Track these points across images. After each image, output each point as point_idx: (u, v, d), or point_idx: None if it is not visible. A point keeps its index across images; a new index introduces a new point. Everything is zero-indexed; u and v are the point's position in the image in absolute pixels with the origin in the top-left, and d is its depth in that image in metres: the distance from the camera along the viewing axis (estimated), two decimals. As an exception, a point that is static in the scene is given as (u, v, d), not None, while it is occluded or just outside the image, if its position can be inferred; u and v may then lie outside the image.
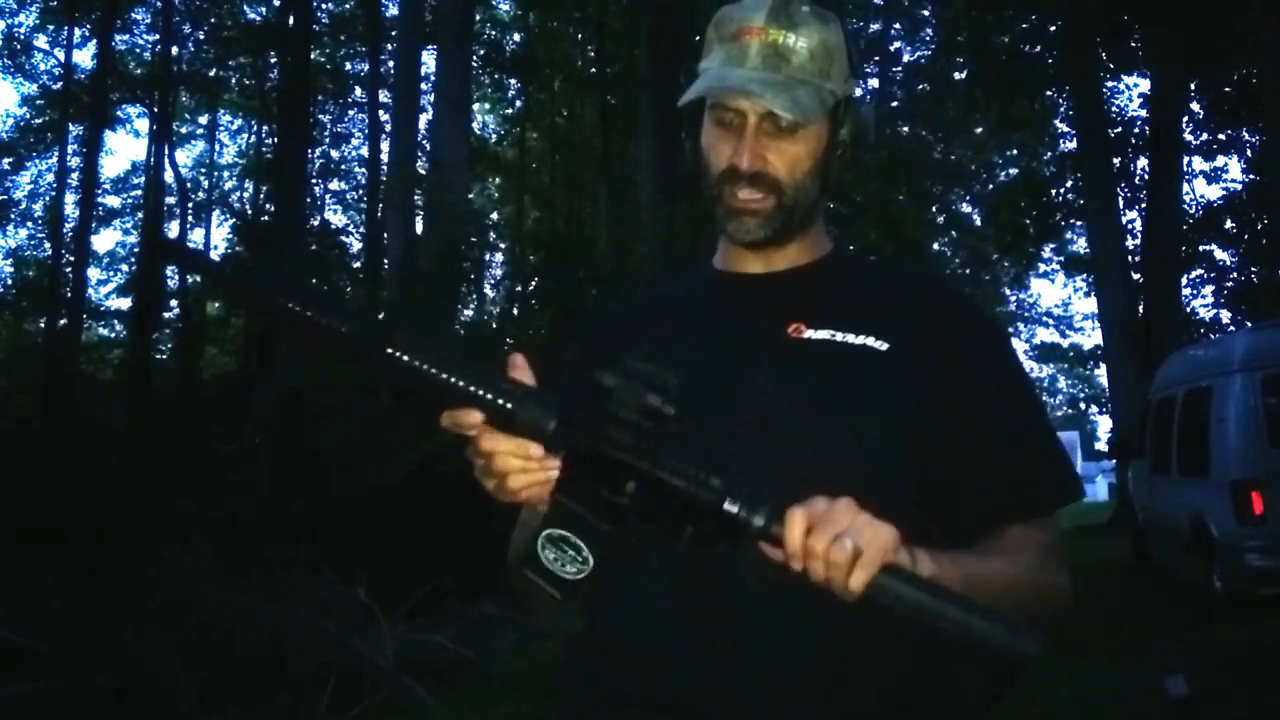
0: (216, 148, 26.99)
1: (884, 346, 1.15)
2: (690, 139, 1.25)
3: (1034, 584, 1.11)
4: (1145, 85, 16.41)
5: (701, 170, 1.21)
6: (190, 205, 22.47)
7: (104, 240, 27.67)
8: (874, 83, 22.46)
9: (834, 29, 1.18)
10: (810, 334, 1.17)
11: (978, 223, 23.94)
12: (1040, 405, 1.28)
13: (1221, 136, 17.43)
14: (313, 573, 6.30)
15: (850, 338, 1.16)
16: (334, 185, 24.26)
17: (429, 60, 16.23)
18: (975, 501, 1.16)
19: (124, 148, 37.11)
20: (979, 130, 20.52)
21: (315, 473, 10.14)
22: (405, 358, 0.95)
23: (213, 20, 19.70)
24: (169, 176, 20.43)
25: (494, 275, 22.46)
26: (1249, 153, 17.05)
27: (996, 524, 1.14)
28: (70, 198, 20.33)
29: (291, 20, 15.56)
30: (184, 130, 25.36)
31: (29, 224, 23.05)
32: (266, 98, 20.80)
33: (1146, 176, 15.78)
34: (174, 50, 19.60)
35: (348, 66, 22.53)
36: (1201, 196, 19.41)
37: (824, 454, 1.11)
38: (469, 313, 17.59)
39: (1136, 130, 16.59)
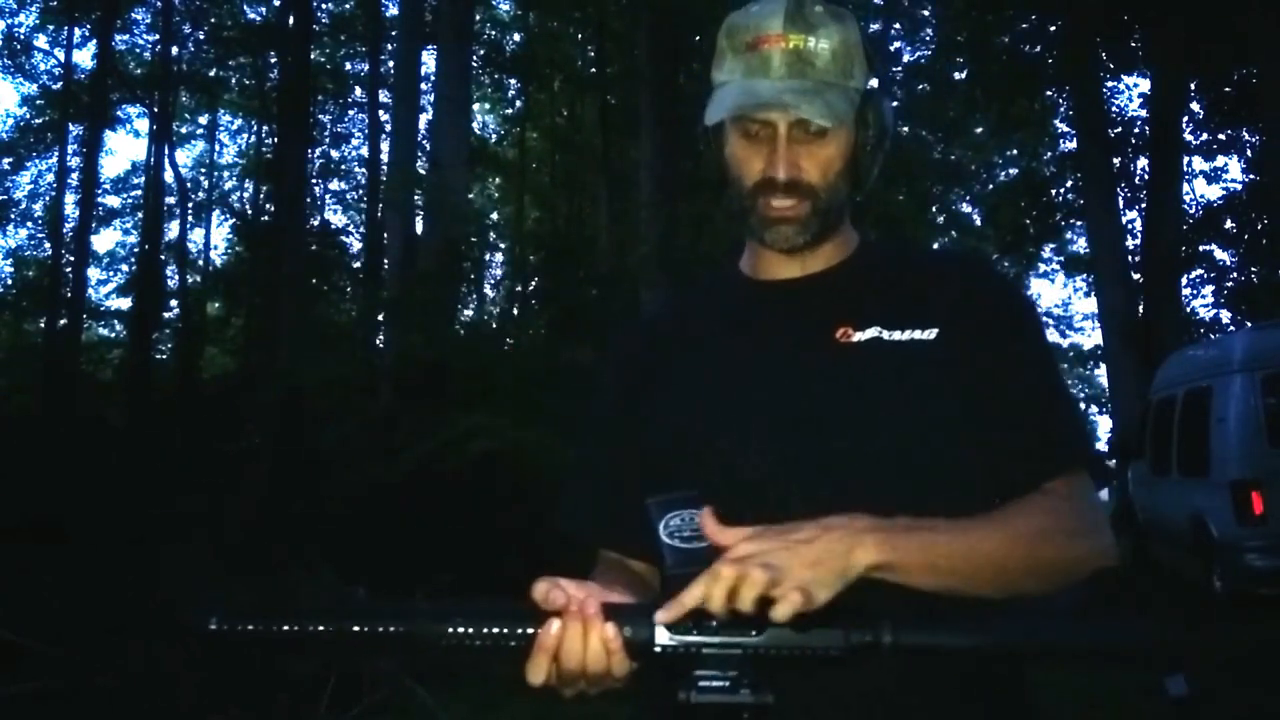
0: (216, 148, 27.06)
1: (931, 334, 1.15)
2: (711, 151, 1.23)
3: (1030, 555, 1.09)
4: (1145, 85, 16.41)
5: (729, 182, 1.20)
6: (190, 205, 22.50)
7: (104, 240, 27.68)
8: (873, 82, 22.47)
9: (850, 25, 1.17)
10: (858, 336, 1.16)
11: (978, 223, 23.95)
12: (1061, 379, 1.28)
13: (1221, 136, 17.43)
14: (313, 572, 6.30)
15: (897, 334, 1.15)
16: (334, 185, 24.28)
17: (429, 60, 16.23)
18: (996, 469, 1.15)
19: (124, 148, 37.22)
20: (979, 130, 20.52)
21: (315, 473, 10.13)
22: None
23: (213, 20, 19.68)
24: (169, 176, 20.46)
25: (494, 275, 22.50)
26: (1249, 153, 17.04)
27: (1013, 489, 1.13)
28: (70, 198, 20.36)
29: (291, 20, 15.53)
30: (184, 130, 25.39)
31: (29, 224, 23.10)
32: (266, 98, 20.78)
33: (1146, 176, 15.77)
34: (174, 50, 19.60)
35: (348, 66, 22.52)
36: (1201, 196, 19.42)
37: (894, 457, 1.11)
38: (469, 313, 17.59)
39: (1136, 130, 16.57)
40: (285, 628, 0.95)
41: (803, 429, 1.13)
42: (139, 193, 23.34)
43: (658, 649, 0.93)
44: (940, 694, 1.06)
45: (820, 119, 1.11)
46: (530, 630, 0.94)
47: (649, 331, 1.35)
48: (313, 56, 17.57)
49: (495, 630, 0.94)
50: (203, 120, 26.20)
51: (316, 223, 21.74)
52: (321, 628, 0.95)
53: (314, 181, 21.82)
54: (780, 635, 0.93)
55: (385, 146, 19.61)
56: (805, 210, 1.16)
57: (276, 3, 19.63)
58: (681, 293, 1.46)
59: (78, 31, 19.53)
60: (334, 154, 23.59)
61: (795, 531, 0.96)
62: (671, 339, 1.28)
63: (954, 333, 1.15)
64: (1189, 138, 16.84)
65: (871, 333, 1.16)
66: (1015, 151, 22.00)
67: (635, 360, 1.29)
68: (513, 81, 23.64)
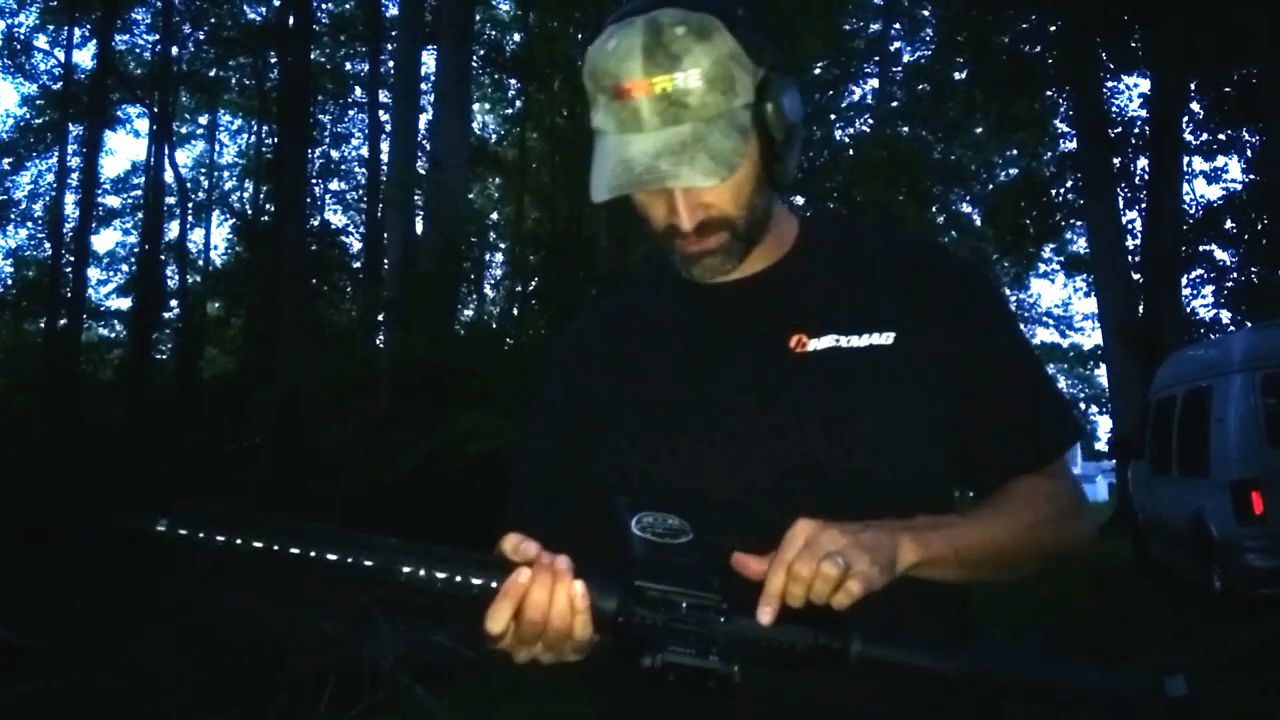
0: (216, 148, 27.08)
1: (890, 339, 1.11)
2: None
3: (1036, 540, 1.11)
4: (1145, 85, 16.41)
5: (640, 219, 1.12)
6: (190, 205, 22.51)
7: (104, 240, 27.74)
8: (874, 83, 22.48)
9: (718, 35, 1.03)
10: (814, 344, 1.11)
11: (978, 223, 23.95)
12: (1036, 356, 1.26)
13: (1221, 136, 17.41)
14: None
15: (855, 340, 1.10)
16: (334, 185, 24.30)
17: (429, 60, 16.25)
18: (991, 460, 1.15)
19: (124, 148, 37.31)
20: (979, 130, 20.52)
21: (315, 473, 10.13)
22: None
23: (213, 20, 19.71)
24: (169, 176, 20.48)
25: (494, 275, 22.50)
26: (1249, 153, 17.04)
27: (1010, 477, 1.14)
28: (70, 198, 20.40)
29: (291, 20, 15.54)
30: (184, 130, 25.42)
31: (29, 224, 23.12)
32: (266, 98, 20.80)
33: (1146, 176, 15.77)
34: (174, 50, 19.63)
35: (348, 66, 22.55)
36: (1201, 196, 19.44)
37: (865, 471, 1.07)
38: (469, 313, 17.60)
39: (1136, 130, 16.57)
40: (237, 540, 0.88)
41: (769, 449, 1.08)
42: (139, 193, 23.37)
43: (622, 620, 0.90)
44: (910, 701, 1.04)
45: (703, 180, 1.02)
46: (495, 583, 0.90)
47: (586, 347, 1.25)
48: (313, 56, 17.59)
49: (459, 578, 0.90)
50: (203, 120, 26.25)
51: (316, 223, 21.74)
52: (276, 546, 0.88)
53: (314, 181, 21.83)
54: (748, 623, 0.90)
55: (385, 146, 19.67)
56: (724, 240, 1.09)
57: (276, 3, 19.66)
58: (616, 298, 1.33)
59: (78, 31, 19.57)
60: (334, 154, 23.65)
61: (843, 523, 0.95)
62: (613, 354, 1.20)
63: (914, 333, 1.11)
64: (1189, 138, 16.84)
65: (828, 341, 1.11)
66: (1015, 151, 22.00)
67: (577, 381, 1.21)
68: (513, 81, 23.65)
